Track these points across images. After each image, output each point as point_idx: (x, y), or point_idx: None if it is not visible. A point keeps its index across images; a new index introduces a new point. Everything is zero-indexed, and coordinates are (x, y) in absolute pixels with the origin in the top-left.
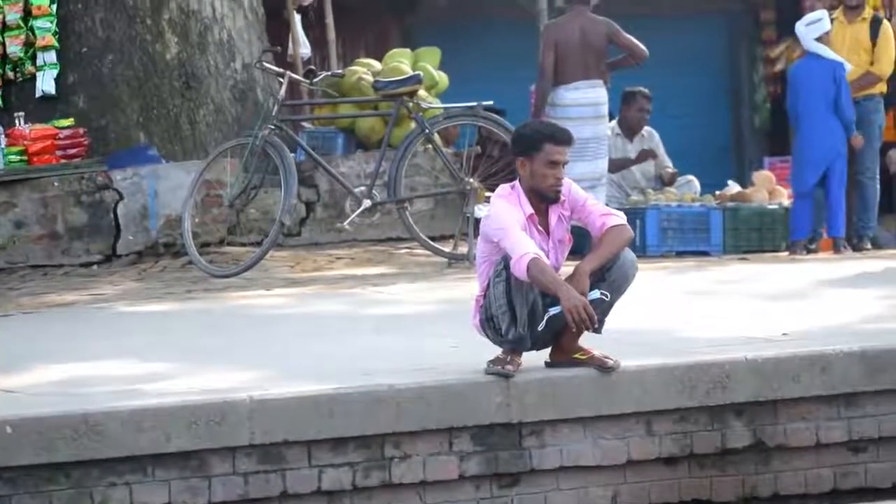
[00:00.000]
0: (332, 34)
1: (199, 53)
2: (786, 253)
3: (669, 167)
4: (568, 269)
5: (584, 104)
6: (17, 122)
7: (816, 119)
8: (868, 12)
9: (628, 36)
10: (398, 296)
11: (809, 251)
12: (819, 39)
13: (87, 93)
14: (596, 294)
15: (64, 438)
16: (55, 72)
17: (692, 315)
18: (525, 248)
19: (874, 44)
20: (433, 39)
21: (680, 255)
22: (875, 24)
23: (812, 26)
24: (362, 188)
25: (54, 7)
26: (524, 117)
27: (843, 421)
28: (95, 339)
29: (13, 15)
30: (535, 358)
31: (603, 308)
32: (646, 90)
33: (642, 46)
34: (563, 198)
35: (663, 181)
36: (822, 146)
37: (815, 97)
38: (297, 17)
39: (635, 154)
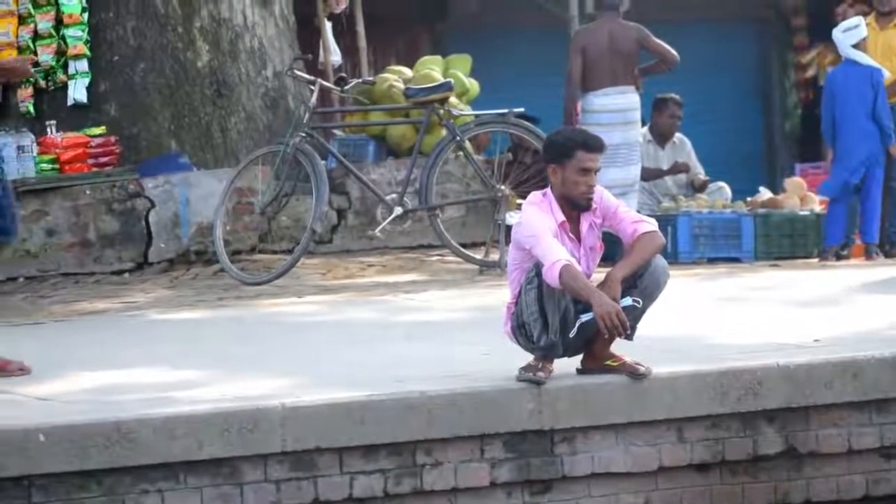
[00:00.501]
0: (362, 42)
1: (231, 61)
2: (817, 259)
3: (701, 174)
4: (599, 276)
5: (614, 110)
6: (48, 130)
7: (854, 125)
8: None
9: (659, 41)
10: (430, 303)
11: (840, 257)
12: (856, 46)
13: (118, 101)
14: (628, 301)
15: (96, 446)
16: (87, 80)
17: (724, 322)
18: (557, 254)
19: None
20: (464, 46)
21: (711, 261)
22: None
23: (849, 32)
24: (393, 195)
25: (86, 16)
26: (557, 125)
27: (875, 427)
28: (127, 346)
29: (45, 24)
30: (567, 365)
31: (635, 315)
32: (677, 97)
33: (673, 51)
34: (594, 205)
35: (694, 188)
36: (860, 152)
37: (852, 103)
38: (328, 25)
39: (667, 160)
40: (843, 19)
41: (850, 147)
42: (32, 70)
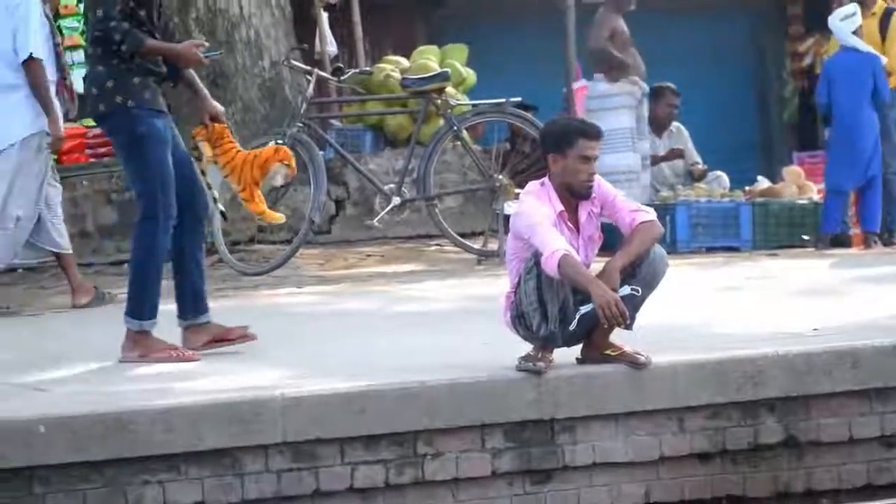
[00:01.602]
0: (359, 31)
1: (227, 51)
2: (812, 247)
3: (699, 163)
4: (598, 265)
5: (623, 93)
6: None
7: (857, 114)
8: (879, 6)
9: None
10: (428, 293)
11: (836, 243)
12: (854, 33)
13: None
14: (626, 290)
15: (97, 437)
16: (83, 71)
17: (723, 311)
18: (556, 244)
19: (884, 38)
20: (460, 36)
21: (710, 250)
22: (885, 18)
23: (848, 20)
24: (391, 185)
25: (82, 6)
26: (554, 114)
27: (876, 416)
28: None
29: None
30: (567, 354)
31: (634, 304)
32: (673, 86)
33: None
34: (593, 194)
35: (693, 177)
36: (866, 143)
37: (854, 91)
38: (325, 15)
39: (664, 149)
40: (840, 6)
41: (855, 138)
42: (204, 57)
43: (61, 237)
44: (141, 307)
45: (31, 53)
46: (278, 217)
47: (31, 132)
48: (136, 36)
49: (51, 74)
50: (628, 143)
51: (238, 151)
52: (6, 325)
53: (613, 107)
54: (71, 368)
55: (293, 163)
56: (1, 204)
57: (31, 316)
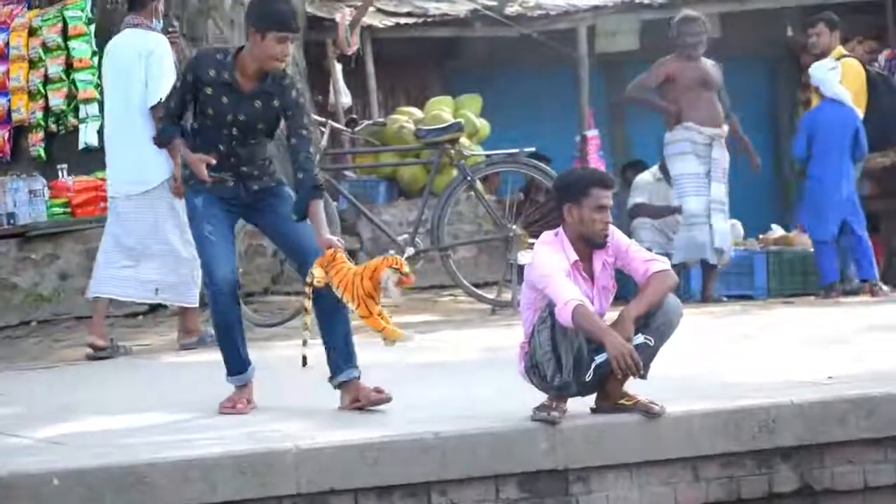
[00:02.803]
0: (372, 83)
1: None
2: (823, 297)
3: None
4: (613, 314)
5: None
6: (60, 174)
7: (838, 166)
8: (837, 53)
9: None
10: (443, 343)
11: (847, 293)
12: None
13: None
14: (640, 339)
15: (110, 490)
16: (98, 124)
17: (737, 359)
18: (569, 294)
19: None
20: (474, 86)
21: (724, 299)
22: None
23: (835, 72)
24: (405, 236)
25: (96, 60)
26: (568, 164)
27: (891, 464)
28: (141, 389)
29: (55, 68)
30: (582, 404)
31: (648, 354)
32: None
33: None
34: (607, 243)
35: None
36: (843, 193)
37: (837, 144)
38: (339, 67)
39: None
40: (809, 57)
41: (832, 188)
42: (209, 177)
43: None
44: (226, 366)
45: (161, 99)
46: (400, 334)
47: (166, 176)
48: (162, 131)
49: None
50: (689, 188)
51: (350, 268)
52: (19, 378)
53: (674, 153)
54: (84, 421)
55: (405, 267)
56: (180, 243)
57: (45, 369)
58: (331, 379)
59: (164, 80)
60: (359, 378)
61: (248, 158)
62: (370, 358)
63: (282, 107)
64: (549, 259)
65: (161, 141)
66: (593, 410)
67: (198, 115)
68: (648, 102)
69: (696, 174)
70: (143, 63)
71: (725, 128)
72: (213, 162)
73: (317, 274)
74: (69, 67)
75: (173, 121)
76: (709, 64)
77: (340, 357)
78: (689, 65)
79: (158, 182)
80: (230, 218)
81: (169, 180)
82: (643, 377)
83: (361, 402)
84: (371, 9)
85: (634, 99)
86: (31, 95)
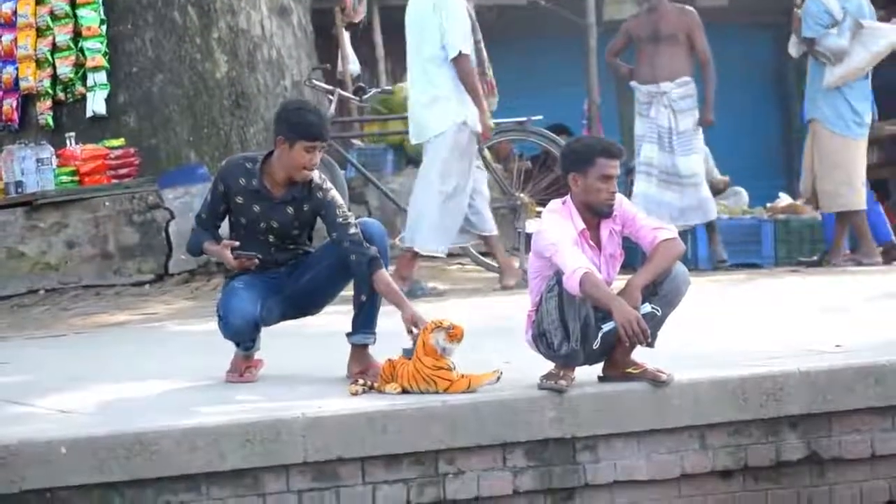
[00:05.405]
0: (380, 51)
1: (249, 72)
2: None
3: (718, 176)
4: (620, 283)
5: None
6: (68, 142)
7: None
8: None
9: None
10: (450, 311)
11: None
12: None
13: (137, 112)
14: (647, 308)
15: (118, 458)
16: (105, 92)
17: (744, 328)
18: (577, 263)
19: None
20: None
21: (731, 267)
22: None
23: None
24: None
25: (104, 28)
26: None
27: None
28: (148, 358)
29: (63, 36)
30: (589, 372)
31: (655, 322)
32: None
33: None
34: (614, 212)
35: (716, 190)
36: None
37: None
38: (346, 35)
39: None
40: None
41: None
42: (233, 258)
43: (487, 221)
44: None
45: (461, 51)
46: (488, 376)
47: (456, 121)
48: (190, 241)
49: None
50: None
51: (403, 362)
52: (27, 346)
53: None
54: (91, 389)
55: (444, 321)
56: (439, 177)
57: (53, 337)
58: (348, 334)
59: (457, 32)
60: (373, 343)
61: (287, 260)
62: (378, 326)
63: (312, 210)
64: (556, 227)
65: (191, 250)
66: (601, 379)
67: (233, 225)
68: (611, 67)
69: (640, 136)
70: (438, 16)
71: (685, 80)
72: (235, 244)
73: (390, 389)
74: (77, 35)
75: (204, 231)
76: (673, 10)
77: (361, 319)
78: (647, 18)
79: (438, 132)
80: (269, 281)
81: (459, 125)
82: (651, 345)
83: (368, 381)
84: None
85: (609, 66)
86: (39, 64)
